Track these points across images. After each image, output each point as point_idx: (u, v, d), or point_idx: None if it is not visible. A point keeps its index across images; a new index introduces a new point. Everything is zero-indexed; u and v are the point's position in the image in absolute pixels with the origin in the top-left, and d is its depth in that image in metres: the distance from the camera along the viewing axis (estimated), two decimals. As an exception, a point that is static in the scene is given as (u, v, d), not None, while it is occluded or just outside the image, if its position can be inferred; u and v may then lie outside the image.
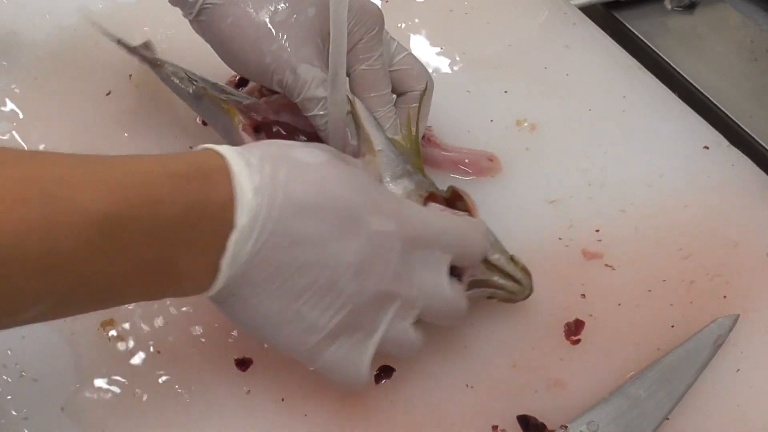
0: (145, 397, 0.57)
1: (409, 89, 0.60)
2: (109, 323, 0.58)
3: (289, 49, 0.55)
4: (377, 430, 0.56)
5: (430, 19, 0.77)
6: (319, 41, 0.56)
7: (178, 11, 0.59)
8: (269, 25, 0.55)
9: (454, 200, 0.57)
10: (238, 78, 0.68)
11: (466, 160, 0.67)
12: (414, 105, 0.61)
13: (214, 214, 0.43)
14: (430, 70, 0.63)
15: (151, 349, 0.58)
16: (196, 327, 0.59)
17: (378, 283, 0.47)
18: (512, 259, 0.57)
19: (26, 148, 0.67)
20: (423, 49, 0.74)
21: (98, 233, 0.40)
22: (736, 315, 0.61)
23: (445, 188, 0.58)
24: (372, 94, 0.58)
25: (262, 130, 0.61)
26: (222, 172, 0.44)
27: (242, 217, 0.43)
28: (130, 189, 0.41)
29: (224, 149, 0.45)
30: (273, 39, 0.55)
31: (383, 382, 0.57)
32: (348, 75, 0.58)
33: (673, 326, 0.60)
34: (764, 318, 0.61)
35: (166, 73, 0.64)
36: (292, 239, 0.45)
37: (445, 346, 0.59)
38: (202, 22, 0.57)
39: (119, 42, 0.66)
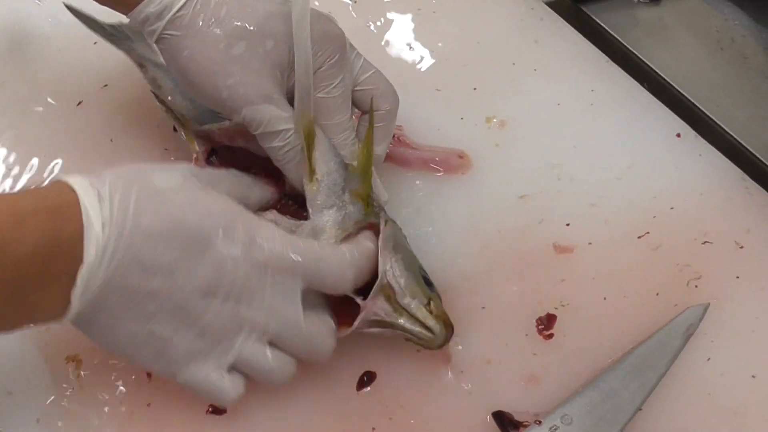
0: (123, 409, 0.57)
1: (375, 108, 0.59)
2: (74, 358, 0.58)
3: (246, 84, 0.54)
4: None
5: (398, 18, 0.77)
6: (277, 73, 0.55)
7: None
8: (225, 60, 0.54)
9: None
10: None
11: (437, 158, 0.68)
12: (380, 124, 0.59)
13: (64, 250, 0.44)
14: (399, 69, 0.63)
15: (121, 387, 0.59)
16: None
17: (224, 305, 0.48)
18: (429, 303, 0.55)
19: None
20: (391, 48, 0.74)
21: None
22: (707, 304, 0.61)
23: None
24: (329, 122, 0.57)
25: (216, 154, 0.61)
26: (72, 206, 0.44)
27: (90, 251, 0.44)
28: None
29: (76, 181, 0.45)
30: (229, 74, 0.54)
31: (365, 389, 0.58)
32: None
33: (644, 317, 0.61)
34: (734, 306, 0.62)
35: (150, 77, 0.64)
36: (142, 267, 0.46)
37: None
38: (162, 50, 0.56)
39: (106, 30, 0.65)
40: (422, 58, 0.75)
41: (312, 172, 0.56)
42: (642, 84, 0.73)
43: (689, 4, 0.79)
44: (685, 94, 0.73)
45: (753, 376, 0.59)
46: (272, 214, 0.57)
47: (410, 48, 0.75)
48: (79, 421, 0.56)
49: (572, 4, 0.78)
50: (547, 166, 0.68)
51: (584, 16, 0.78)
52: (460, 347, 0.60)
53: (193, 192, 0.49)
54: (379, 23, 0.76)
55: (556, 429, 0.55)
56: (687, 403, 0.58)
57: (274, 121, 0.55)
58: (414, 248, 0.60)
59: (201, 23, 0.54)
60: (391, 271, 0.55)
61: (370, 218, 0.57)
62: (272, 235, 0.50)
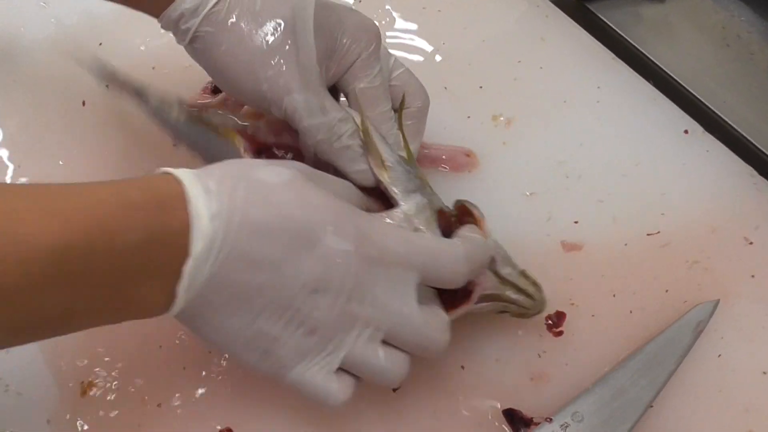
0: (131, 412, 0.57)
1: (406, 106, 0.60)
2: (89, 385, 0.58)
3: (285, 75, 0.54)
4: (363, 429, 0.56)
5: (402, 17, 0.77)
6: (311, 63, 0.55)
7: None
8: (263, 52, 0.53)
9: (463, 216, 0.56)
10: (212, 85, 0.68)
11: (444, 157, 0.68)
12: (410, 122, 0.60)
13: (170, 242, 0.43)
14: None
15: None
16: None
17: (335, 302, 0.47)
18: (523, 273, 0.56)
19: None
20: (396, 47, 0.74)
21: (50, 265, 0.39)
22: (716, 300, 0.61)
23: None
24: (373, 112, 0.57)
25: (263, 153, 0.60)
26: (179, 198, 0.44)
27: (198, 244, 0.43)
28: (83, 221, 0.41)
29: (182, 174, 0.45)
30: (268, 65, 0.53)
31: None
32: (347, 93, 0.58)
33: (653, 314, 0.61)
34: (744, 302, 0.62)
35: (153, 105, 0.62)
36: (249, 261, 0.45)
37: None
38: (196, 49, 0.56)
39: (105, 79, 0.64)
40: (427, 56, 0.74)
41: (382, 159, 0.56)
42: (648, 80, 0.73)
43: (694, 0, 0.78)
44: (692, 91, 0.73)
45: (764, 373, 0.59)
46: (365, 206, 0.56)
47: (415, 46, 0.75)
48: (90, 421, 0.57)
49: (577, 2, 0.78)
50: (554, 163, 0.68)
51: (589, 14, 0.78)
52: (468, 345, 0.60)
53: (301, 187, 0.47)
54: (383, 22, 0.76)
55: (566, 426, 0.55)
56: (697, 400, 0.58)
57: (316, 111, 0.55)
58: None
59: (236, 17, 0.54)
60: (493, 244, 0.55)
61: (439, 203, 0.56)
62: (384, 229, 0.49)
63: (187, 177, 0.45)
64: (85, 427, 0.56)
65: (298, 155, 0.59)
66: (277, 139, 0.59)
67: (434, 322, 0.51)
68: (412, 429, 0.57)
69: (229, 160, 0.48)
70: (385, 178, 0.55)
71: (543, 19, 0.77)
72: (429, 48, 0.75)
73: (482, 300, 0.55)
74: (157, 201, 0.43)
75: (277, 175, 0.47)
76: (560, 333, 0.60)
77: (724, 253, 0.64)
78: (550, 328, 0.60)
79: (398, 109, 0.59)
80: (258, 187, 0.46)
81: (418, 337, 0.50)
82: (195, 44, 0.56)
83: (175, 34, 0.56)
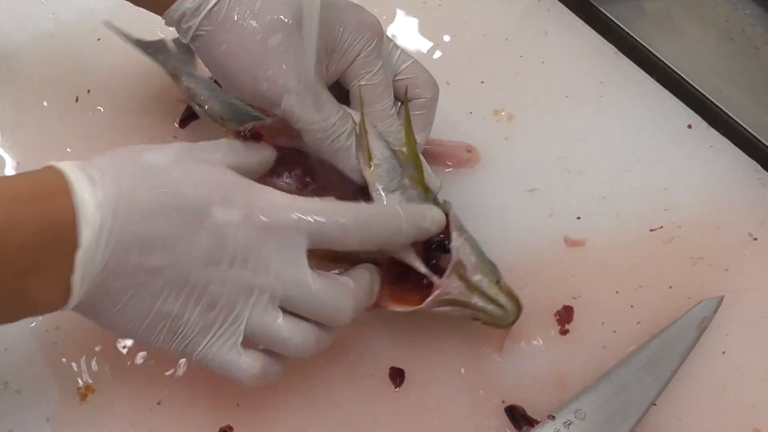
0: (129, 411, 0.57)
1: (415, 97, 0.60)
2: (88, 389, 0.58)
3: (285, 75, 0.54)
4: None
5: (403, 12, 0.76)
6: (316, 62, 0.55)
7: None
8: (263, 51, 0.53)
9: None
10: None
11: (445, 153, 0.67)
12: (419, 113, 0.60)
13: (59, 235, 0.43)
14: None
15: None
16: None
17: (228, 273, 0.47)
18: (498, 282, 0.55)
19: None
20: (397, 42, 0.73)
21: None
22: (720, 297, 0.61)
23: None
24: (372, 109, 0.57)
25: None
26: (64, 190, 0.44)
27: (86, 233, 0.43)
28: None
29: (66, 166, 0.45)
30: (267, 65, 0.53)
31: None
32: (349, 91, 0.58)
33: (657, 311, 0.60)
34: (749, 299, 0.61)
35: (184, 87, 0.63)
36: (141, 245, 0.45)
37: (431, 340, 0.59)
38: (197, 48, 0.56)
39: (137, 43, 0.65)
40: (428, 51, 0.74)
41: (370, 157, 0.56)
42: (651, 75, 0.73)
43: (698, -6, 0.78)
44: (696, 85, 0.72)
45: (768, 369, 0.59)
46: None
47: (416, 41, 0.75)
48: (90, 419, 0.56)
49: (579, -4, 0.78)
50: (556, 159, 0.68)
51: (592, 8, 0.77)
52: (470, 342, 0.59)
53: (187, 165, 0.48)
54: (384, 17, 0.76)
55: (569, 424, 0.55)
56: (702, 398, 0.57)
57: (317, 111, 0.55)
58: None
59: (236, 17, 0.54)
60: (462, 248, 0.54)
61: (429, 203, 0.56)
62: (271, 197, 0.49)
63: (71, 168, 0.45)
64: (85, 425, 0.56)
65: (294, 156, 0.59)
66: (273, 141, 0.59)
67: (333, 289, 0.50)
68: (415, 426, 0.57)
69: (116, 149, 0.48)
70: (367, 174, 0.56)
71: (545, 13, 0.76)
72: (430, 43, 0.74)
73: (446, 304, 0.54)
74: (45, 194, 0.43)
75: (163, 156, 0.48)
76: (566, 331, 0.60)
77: (728, 249, 0.63)
78: (560, 322, 0.60)
79: (403, 101, 0.59)
80: (143, 170, 0.47)
81: (315, 303, 0.50)
82: (196, 43, 0.55)
83: (178, 32, 0.56)
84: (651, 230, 0.64)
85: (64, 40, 0.73)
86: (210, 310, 0.48)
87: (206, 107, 0.62)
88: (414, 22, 0.76)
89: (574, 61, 0.73)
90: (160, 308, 0.47)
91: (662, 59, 0.74)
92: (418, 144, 0.59)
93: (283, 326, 0.49)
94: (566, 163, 0.67)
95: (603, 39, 0.75)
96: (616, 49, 0.74)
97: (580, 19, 0.76)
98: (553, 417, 0.55)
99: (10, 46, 0.72)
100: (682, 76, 0.73)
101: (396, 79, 0.60)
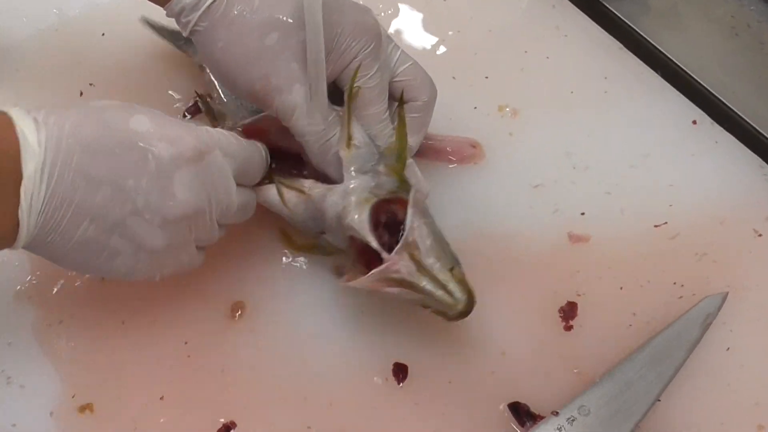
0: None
1: (412, 99, 0.59)
2: (87, 407, 0.57)
3: (279, 75, 0.54)
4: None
5: (408, 7, 0.76)
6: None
7: None
8: (258, 50, 0.54)
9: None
10: None
11: (449, 148, 0.67)
12: (415, 115, 0.59)
13: (4, 170, 0.45)
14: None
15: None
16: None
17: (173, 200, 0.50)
18: (452, 269, 0.54)
19: None
20: (402, 37, 0.74)
21: None
22: (725, 293, 0.60)
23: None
24: (366, 112, 0.57)
25: None
26: (9, 128, 0.45)
27: (29, 165, 0.45)
28: None
29: (12, 110, 0.47)
30: (262, 64, 0.54)
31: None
32: (343, 92, 0.57)
33: (661, 307, 0.60)
34: (753, 295, 0.61)
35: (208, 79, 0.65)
36: (87, 178, 0.47)
37: (435, 336, 0.59)
38: (196, 42, 0.56)
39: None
40: (433, 46, 0.74)
41: (349, 138, 0.56)
42: (656, 71, 0.72)
43: (703, -11, 0.78)
44: (701, 81, 0.72)
45: (773, 366, 0.58)
46: (310, 182, 0.57)
47: (421, 37, 0.74)
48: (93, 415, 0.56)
49: (584, -9, 0.77)
50: (561, 154, 0.67)
51: (597, 3, 0.77)
52: (474, 339, 0.59)
53: (125, 106, 0.50)
54: (389, 12, 0.76)
55: (573, 420, 0.55)
56: (706, 394, 0.57)
57: (305, 110, 0.55)
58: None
59: (235, 14, 0.54)
60: (418, 230, 0.54)
61: (402, 193, 0.56)
62: (204, 131, 0.52)
63: (17, 111, 0.47)
64: (88, 420, 0.56)
65: (282, 155, 0.59)
66: (262, 139, 0.59)
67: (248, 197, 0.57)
68: (420, 422, 0.57)
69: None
70: (343, 154, 0.56)
71: (550, 9, 0.76)
72: (435, 38, 0.74)
73: (395, 284, 0.53)
74: None
75: (107, 101, 0.50)
76: (570, 327, 0.60)
77: (732, 245, 0.63)
78: (564, 319, 0.60)
79: (399, 103, 0.59)
80: (88, 110, 0.49)
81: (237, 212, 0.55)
82: (195, 37, 0.56)
83: (178, 25, 0.56)
84: (655, 226, 0.64)
85: (69, 35, 0.73)
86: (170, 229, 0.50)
87: (221, 102, 0.63)
88: (419, 17, 0.75)
89: (578, 56, 0.73)
90: (114, 242, 0.49)
91: (667, 55, 0.74)
92: (410, 147, 0.59)
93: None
94: (571, 158, 0.67)
95: (608, 34, 0.75)
96: (621, 45, 0.74)
97: (585, 15, 0.76)
98: (557, 413, 0.55)
99: (14, 40, 0.72)
100: (687, 71, 0.73)
101: (394, 80, 0.59)
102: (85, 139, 0.47)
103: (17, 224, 0.46)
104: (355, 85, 0.56)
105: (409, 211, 0.54)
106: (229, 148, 0.53)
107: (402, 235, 0.53)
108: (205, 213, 0.52)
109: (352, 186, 0.56)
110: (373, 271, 0.52)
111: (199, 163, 0.50)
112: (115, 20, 0.73)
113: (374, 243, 0.53)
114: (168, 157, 0.49)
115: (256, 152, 0.56)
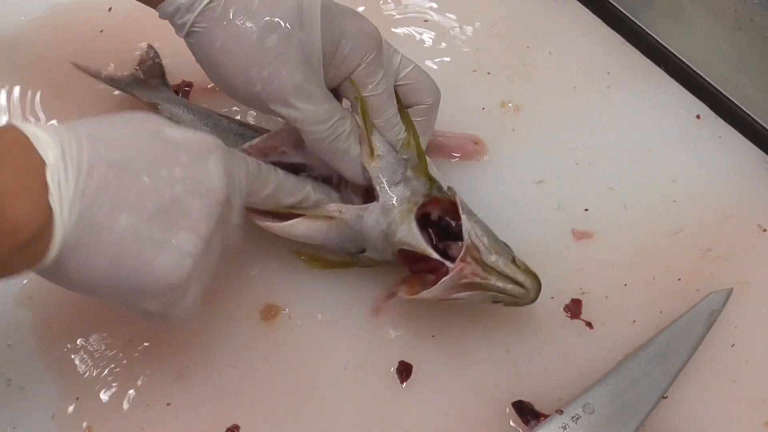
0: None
1: (416, 103, 0.59)
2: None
3: (280, 77, 0.53)
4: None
5: (410, 4, 0.76)
6: (312, 64, 0.54)
7: None
8: (258, 52, 0.53)
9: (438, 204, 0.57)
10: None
11: (452, 145, 0.67)
12: (420, 119, 0.59)
13: (16, 158, 0.42)
14: (411, 55, 0.62)
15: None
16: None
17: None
18: (514, 260, 0.55)
19: None
20: (403, 34, 0.73)
21: None
22: (729, 289, 0.60)
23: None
24: (379, 120, 0.57)
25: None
26: (15, 131, 0.43)
27: (49, 154, 0.43)
28: None
29: (22, 124, 0.44)
30: (263, 66, 0.53)
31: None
32: (351, 101, 0.57)
33: (666, 303, 0.60)
34: (758, 291, 0.61)
35: (166, 114, 0.64)
36: (117, 169, 0.44)
37: (440, 338, 0.59)
38: (191, 43, 0.55)
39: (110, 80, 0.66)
40: (435, 43, 0.73)
41: (372, 150, 0.56)
42: (659, 65, 0.72)
43: (706, -18, 0.77)
44: (704, 76, 0.72)
45: (779, 362, 0.58)
46: (335, 206, 0.56)
47: (422, 33, 0.74)
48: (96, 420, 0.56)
49: (586, -15, 0.77)
50: (564, 150, 0.67)
51: (599, -2, 0.76)
52: (477, 336, 0.59)
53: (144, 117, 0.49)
54: (391, 11, 0.75)
55: (577, 418, 0.55)
56: (711, 391, 0.57)
57: (312, 112, 0.54)
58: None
59: (232, 15, 0.53)
60: (473, 231, 0.54)
61: (434, 192, 0.56)
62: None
63: (26, 125, 0.44)
64: (90, 426, 0.56)
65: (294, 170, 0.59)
66: (265, 159, 0.58)
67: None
68: (423, 421, 0.56)
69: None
70: (372, 168, 0.56)
71: (552, 3, 0.76)
72: (435, 34, 0.74)
73: (464, 289, 0.54)
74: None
75: (124, 115, 0.48)
76: (590, 323, 0.59)
77: (737, 241, 0.63)
78: (572, 317, 0.60)
79: (401, 108, 0.58)
80: (98, 120, 0.47)
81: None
82: (190, 39, 0.55)
83: (173, 26, 0.56)
84: (659, 222, 0.63)
85: (67, 32, 0.72)
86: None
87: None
88: (421, 13, 0.75)
89: (581, 51, 0.73)
90: (156, 234, 0.46)
91: (670, 49, 0.73)
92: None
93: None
94: (574, 154, 0.67)
95: (610, 29, 0.74)
96: (623, 39, 0.73)
97: (587, 9, 0.75)
98: (562, 411, 0.55)
99: (11, 32, 0.72)
100: (691, 66, 0.72)
101: (397, 84, 0.59)
102: (107, 137, 0.45)
103: (50, 216, 0.43)
104: (363, 94, 0.56)
105: (463, 218, 0.54)
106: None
107: (447, 236, 0.55)
108: (233, 205, 0.50)
109: (392, 202, 0.55)
110: (443, 280, 0.53)
111: (225, 151, 0.49)
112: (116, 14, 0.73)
113: (434, 254, 0.54)
114: (197, 145, 0.48)
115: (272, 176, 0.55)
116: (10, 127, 0.44)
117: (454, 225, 0.55)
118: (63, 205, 0.43)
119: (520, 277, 0.54)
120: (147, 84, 0.67)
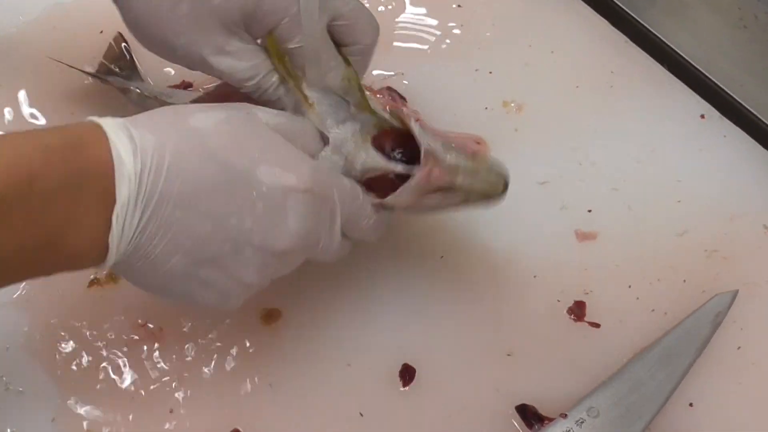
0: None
1: (352, 43, 0.58)
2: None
3: (197, 43, 0.54)
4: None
5: (412, 2, 0.75)
6: (230, 28, 0.54)
7: None
8: (173, 20, 0.53)
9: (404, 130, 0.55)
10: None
11: (454, 145, 0.66)
12: (356, 58, 0.58)
13: (93, 186, 0.42)
14: (412, 53, 0.62)
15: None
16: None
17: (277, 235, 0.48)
18: (474, 155, 0.54)
19: None
20: (404, 32, 0.73)
21: None
22: (735, 291, 0.60)
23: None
24: (317, 66, 0.56)
25: None
26: (101, 144, 0.43)
27: (123, 190, 0.43)
28: (1, 168, 0.40)
29: (106, 121, 0.44)
30: (179, 33, 0.54)
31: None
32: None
33: (670, 305, 0.59)
34: (763, 292, 0.60)
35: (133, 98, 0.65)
36: (186, 211, 0.44)
37: (443, 340, 0.59)
38: (121, 11, 0.56)
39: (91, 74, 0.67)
40: (437, 41, 0.73)
41: (306, 98, 0.56)
42: (662, 64, 0.72)
43: (710, -20, 0.77)
44: (708, 74, 0.71)
45: (785, 365, 0.57)
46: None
47: (423, 31, 0.74)
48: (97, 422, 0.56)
49: (589, -16, 0.77)
50: (567, 150, 0.67)
51: (602, -4, 0.76)
52: (480, 338, 0.59)
53: (236, 130, 0.48)
54: (390, 6, 0.75)
55: (582, 422, 0.54)
56: (717, 394, 0.56)
57: (239, 71, 0.55)
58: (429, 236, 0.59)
59: None
60: (424, 137, 0.53)
61: (384, 123, 0.56)
62: (314, 166, 0.50)
63: (110, 123, 0.44)
64: (91, 429, 0.55)
65: None
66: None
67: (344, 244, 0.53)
68: (425, 425, 0.56)
69: (160, 109, 0.48)
70: (312, 116, 0.56)
71: (554, 2, 0.75)
72: (438, 33, 0.73)
73: (433, 192, 0.53)
74: (78, 145, 0.43)
75: (209, 118, 0.47)
76: (596, 323, 0.59)
77: (742, 242, 0.62)
78: (576, 319, 0.59)
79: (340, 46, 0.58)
80: (190, 133, 0.46)
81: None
82: (119, 4, 0.55)
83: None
84: (664, 222, 0.63)
85: (66, 30, 0.72)
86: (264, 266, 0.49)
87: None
88: (422, 11, 0.75)
89: (584, 50, 0.72)
90: (206, 274, 0.47)
91: (674, 48, 0.73)
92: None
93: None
94: (577, 154, 0.66)
95: (613, 28, 0.74)
96: (627, 38, 0.73)
97: (590, 8, 0.75)
98: (566, 415, 0.54)
99: (10, 31, 0.72)
100: (695, 65, 0.72)
101: (335, 23, 0.57)
102: (186, 171, 0.44)
103: (106, 249, 0.44)
104: (291, 45, 0.55)
105: (414, 126, 0.53)
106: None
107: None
108: (311, 247, 0.50)
109: (339, 138, 0.55)
110: (409, 182, 0.52)
111: (311, 193, 0.48)
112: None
113: (399, 167, 0.53)
114: (279, 188, 0.47)
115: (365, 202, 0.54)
116: (99, 141, 0.43)
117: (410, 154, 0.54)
118: (121, 242, 0.44)
119: (483, 170, 0.54)
120: (115, 77, 0.68)
